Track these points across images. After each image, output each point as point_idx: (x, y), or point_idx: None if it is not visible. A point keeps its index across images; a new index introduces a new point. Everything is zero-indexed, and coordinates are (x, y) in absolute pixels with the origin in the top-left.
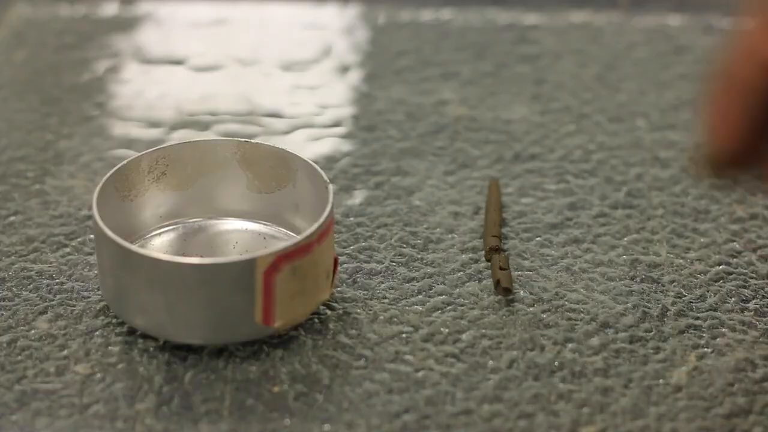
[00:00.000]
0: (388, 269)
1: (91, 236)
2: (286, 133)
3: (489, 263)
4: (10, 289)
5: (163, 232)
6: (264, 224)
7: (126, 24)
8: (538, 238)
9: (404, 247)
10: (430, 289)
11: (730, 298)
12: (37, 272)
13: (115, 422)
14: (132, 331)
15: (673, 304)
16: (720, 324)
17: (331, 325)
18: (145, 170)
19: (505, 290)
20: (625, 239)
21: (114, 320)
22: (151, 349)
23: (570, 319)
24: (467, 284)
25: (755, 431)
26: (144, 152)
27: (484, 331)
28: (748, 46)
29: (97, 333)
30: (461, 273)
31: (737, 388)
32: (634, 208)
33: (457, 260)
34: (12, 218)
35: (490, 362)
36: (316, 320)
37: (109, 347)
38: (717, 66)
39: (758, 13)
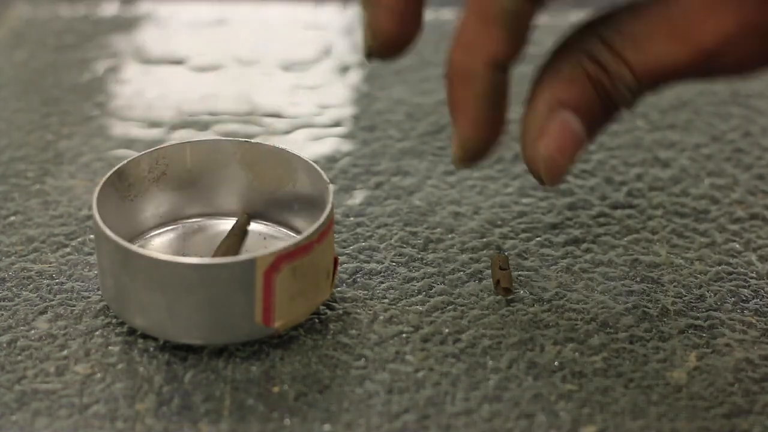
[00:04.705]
0: (388, 269)
1: (91, 236)
2: (286, 133)
3: (489, 263)
4: (10, 289)
5: (163, 232)
6: (264, 224)
7: (126, 24)
8: (538, 238)
9: (404, 247)
10: (430, 289)
11: (730, 298)
12: (37, 272)
13: (115, 422)
14: (132, 331)
15: (673, 304)
16: (720, 324)
17: (331, 325)
18: (145, 170)
19: (505, 290)
20: (625, 239)
21: (114, 320)
22: (151, 349)
23: (570, 319)
24: (467, 284)
25: (755, 431)
26: (144, 152)
27: (484, 331)
28: (470, 45)
29: (97, 333)
30: (461, 273)
31: (737, 388)
32: (634, 208)
33: (457, 260)
34: (12, 218)
35: (490, 362)
36: (316, 320)
37: (109, 347)
38: (447, 61)
39: (476, 7)
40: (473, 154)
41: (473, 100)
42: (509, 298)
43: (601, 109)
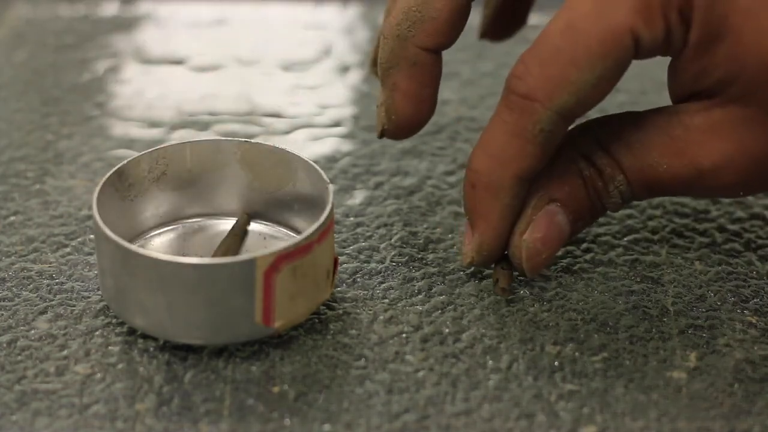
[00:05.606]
0: (388, 269)
1: (91, 236)
2: (286, 133)
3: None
4: (10, 289)
5: (163, 232)
6: (264, 224)
7: (126, 24)
8: None
9: (404, 247)
10: (430, 289)
11: (730, 298)
12: (37, 272)
13: (115, 422)
14: (132, 331)
15: (673, 304)
16: (720, 324)
17: (331, 325)
18: (145, 170)
19: (503, 290)
20: (625, 239)
21: (114, 320)
22: (151, 349)
23: (570, 319)
24: (467, 284)
25: (755, 431)
26: (144, 152)
27: (484, 331)
28: (501, 158)
29: (97, 333)
30: (461, 273)
31: (737, 388)
32: (634, 208)
33: (457, 260)
34: (12, 218)
35: (490, 362)
36: (316, 320)
37: (109, 347)
38: (472, 169)
39: (512, 123)
40: (488, 258)
41: (498, 210)
42: (509, 298)
43: (588, 208)
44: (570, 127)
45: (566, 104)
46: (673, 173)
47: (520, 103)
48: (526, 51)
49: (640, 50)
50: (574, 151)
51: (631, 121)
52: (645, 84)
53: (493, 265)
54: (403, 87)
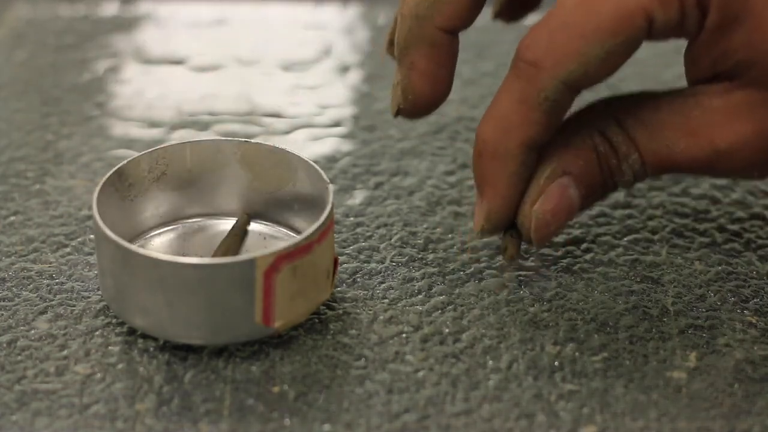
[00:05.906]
0: (388, 269)
1: (91, 236)
2: (286, 133)
3: (489, 263)
4: (10, 289)
5: (163, 232)
6: (264, 224)
7: (126, 24)
8: None
9: (404, 247)
10: (430, 289)
11: (730, 298)
12: (37, 272)
13: (115, 422)
14: (132, 331)
15: (673, 304)
16: (720, 324)
17: (331, 325)
18: (145, 170)
19: (511, 258)
20: (625, 239)
21: (114, 320)
22: (151, 349)
23: (570, 319)
24: (467, 284)
25: (755, 431)
26: (144, 152)
27: (484, 331)
28: (507, 125)
29: (97, 333)
30: (461, 273)
31: (737, 388)
32: (634, 208)
33: (457, 260)
34: (12, 218)
35: (490, 362)
36: (316, 320)
37: (109, 347)
38: (479, 137)
39: (518, 91)
40: (497, 225)
41: (506, 178)
42: (508, 297)
43: (600, 184)
44: (588, 103)
45: (572, 74)
46: (688, 154)
47: (527, 71)
48: (537, 22)
49: (653, 31)
50: (590, 127)
51: (649, 101)
52: (645, 84)
53: (502, 234)
54: (421, 67)
